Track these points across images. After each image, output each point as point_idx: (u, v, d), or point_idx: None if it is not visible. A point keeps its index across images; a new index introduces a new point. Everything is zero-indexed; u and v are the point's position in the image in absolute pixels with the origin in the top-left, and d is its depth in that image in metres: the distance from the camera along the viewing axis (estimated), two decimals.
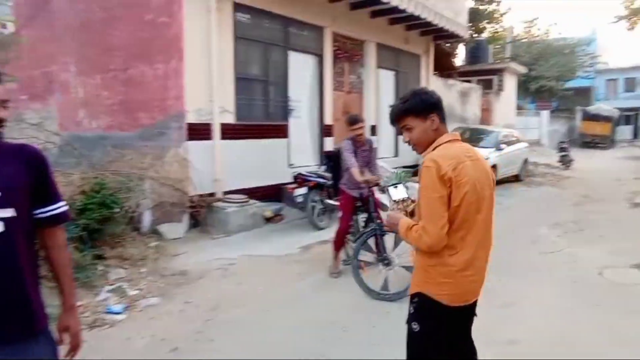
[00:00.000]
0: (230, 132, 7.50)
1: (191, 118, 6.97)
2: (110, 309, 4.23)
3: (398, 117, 2.18)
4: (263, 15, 8.14)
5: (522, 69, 21.40)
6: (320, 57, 9.50)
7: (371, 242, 4.75)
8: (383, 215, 2.34)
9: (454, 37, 13.70)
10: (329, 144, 9.67)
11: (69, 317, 1.86)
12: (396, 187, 2.38)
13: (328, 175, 7.58)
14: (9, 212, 1.63)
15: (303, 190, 7.15)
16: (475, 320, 2.32)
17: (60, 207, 1.84)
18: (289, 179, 7.74)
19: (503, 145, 11.84)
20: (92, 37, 7.79)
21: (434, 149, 2.11)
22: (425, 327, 2.13)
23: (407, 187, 2.43)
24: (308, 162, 9.12)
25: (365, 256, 4.76)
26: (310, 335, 3.80)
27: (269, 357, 3.47)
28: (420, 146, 2.17)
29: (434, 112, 2.12)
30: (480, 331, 3.79)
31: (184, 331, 3.87)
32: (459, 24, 12.59)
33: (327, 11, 9.36)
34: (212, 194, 7.12)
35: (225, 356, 3.47)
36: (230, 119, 7.54)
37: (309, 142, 9.40)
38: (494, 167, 11.35)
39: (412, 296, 2.20)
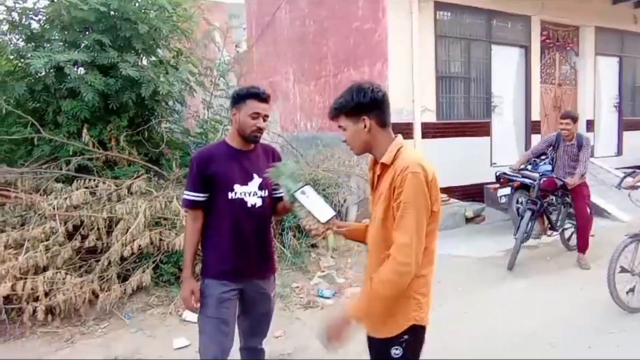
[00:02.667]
0: (430, 130, 7.58)
1: (394, 118, 7.17)
2: (322, 292, 4.67)
3: (332, 115, 1.93)
4: (464, 10, 8.01)
5: None
6: (526, 48, 8.89)
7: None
8: (323, 327, 1.90)
9: None
10: (537, 142, 9.00)
11: None
12: (304, 192, 2.04)
13: (535, 175, 7.09)
14: (265, 192, 2.43)
15: (506, 191, 6.77)
16: None
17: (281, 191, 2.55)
18: (491, 179, 7.48)
19: None
20: (307, 48, 8.68)
21: (397, 151, 1.88)
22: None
23: (305, 192, 2.05)
24: (512, 161, 8.55)
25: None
26: (505, 341, 3.70)
27: (465, 356, 3.51)
28: (355, 149, 1.95)
29: (366, 113, 1.87)
30: None
31: None
32: None
33: None
34: None
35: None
36: (431, 117, 7.62)
37: (514, 140, 8.89)
38: None
39: (399, 335, 1.85)
